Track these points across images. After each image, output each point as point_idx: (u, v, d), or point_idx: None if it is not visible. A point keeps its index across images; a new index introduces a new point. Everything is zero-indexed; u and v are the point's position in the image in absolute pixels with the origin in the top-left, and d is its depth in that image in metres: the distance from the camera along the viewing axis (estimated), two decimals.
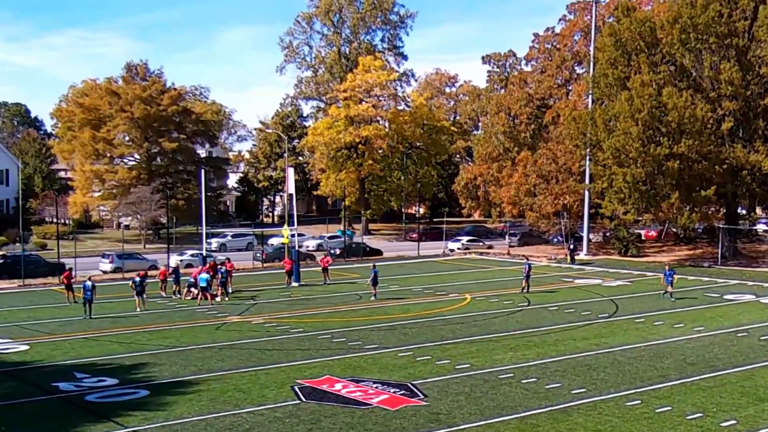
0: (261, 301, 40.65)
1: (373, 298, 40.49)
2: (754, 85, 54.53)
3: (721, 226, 59.45)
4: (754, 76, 54.51)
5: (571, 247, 61.08)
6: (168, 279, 43.07)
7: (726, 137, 54.75)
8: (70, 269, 43.08)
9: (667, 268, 42.06)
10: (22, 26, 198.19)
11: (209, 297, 39.56)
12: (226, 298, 40.91)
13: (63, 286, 41.42)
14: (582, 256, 62.24)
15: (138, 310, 37.13)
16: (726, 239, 58.45)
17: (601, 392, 21.82)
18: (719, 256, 57.48)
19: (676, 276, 41.42)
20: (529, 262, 46.28)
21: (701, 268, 54.93)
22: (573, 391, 21.88)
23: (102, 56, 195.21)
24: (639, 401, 20.90)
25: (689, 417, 19.51)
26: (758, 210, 70.69)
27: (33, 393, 22.53)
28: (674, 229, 71.95)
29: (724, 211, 60.91)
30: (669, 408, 20.26)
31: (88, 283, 36.00)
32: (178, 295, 41.51)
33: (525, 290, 42.35)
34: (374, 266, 43.08)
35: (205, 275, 40.61)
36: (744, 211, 67.03)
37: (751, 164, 53.45)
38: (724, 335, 30.13)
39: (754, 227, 68.88)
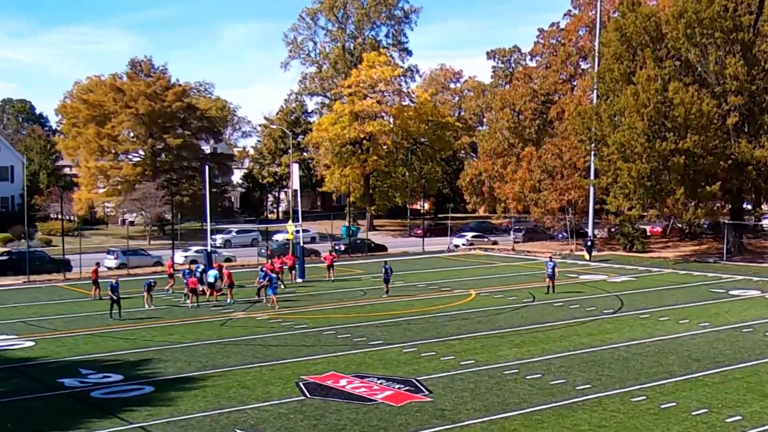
0: (266, 297, 40.53)
1: (384, 294, 40.32)
2: (760, 80, 54.33)
3: (726, 221, 59.35)
4: (760, 71, 54.32)
5: (589, 243, 60.37)
6: (175, 275, 42.81)
7: (731, 132, 54.55)
8: (98, 264, 42.83)
9: None
10: (23, 23, 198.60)
11: (215, 293, 39.54)
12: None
13: (91, 281, 41.05)
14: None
15: (146, 306, 36.94)
16: (731, 235, 58.33)
17: (606, 388, 21.78)
18: (724, 251, 57.37)
19: None
20: (554, 261, 42.72)
21: (706, 263, 54.81)
22: (578, 387, 21.86)
23: (104, 53, 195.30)
24: (644, 397, 20.88)
25: (694, 413, 19.48)
26: (763, 205, 70.49)
27: (38, 389, 22.54)
28: (679, 225, 71.81)
29: (730, 206, 60.74)
30: (674, 404, 20.24)
31: (113, 282, 35.36)
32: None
33: (552, 290, 40.47)
34: (386, 263, 42.82)
35: (214, 271, 40.63)
36: (749, 207, 66.84)
37: (756, 159, 53.32)
38: (728, 331, 30.07)
39: (760, 223, 68.74)
